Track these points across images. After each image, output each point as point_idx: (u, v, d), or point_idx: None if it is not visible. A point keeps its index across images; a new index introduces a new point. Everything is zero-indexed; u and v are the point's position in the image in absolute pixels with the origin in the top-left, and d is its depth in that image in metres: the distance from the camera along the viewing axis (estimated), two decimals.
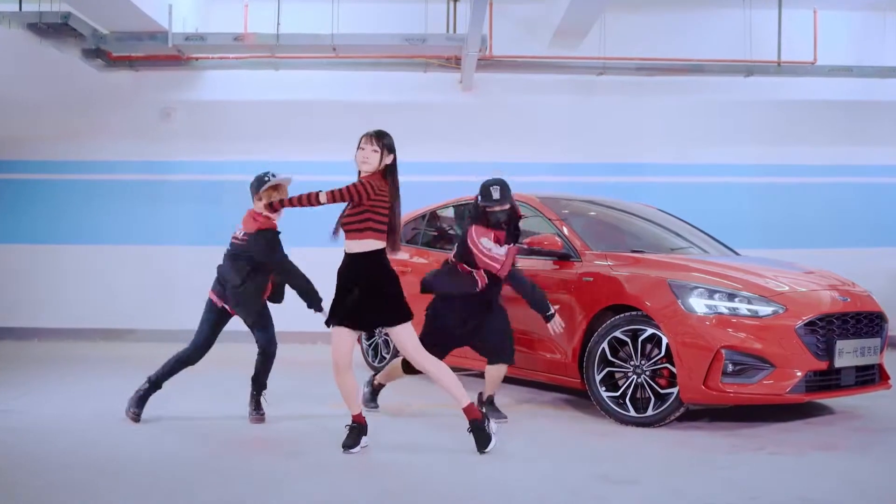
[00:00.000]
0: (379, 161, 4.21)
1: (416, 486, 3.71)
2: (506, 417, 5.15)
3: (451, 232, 6.87)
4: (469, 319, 5.00)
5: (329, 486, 3.69)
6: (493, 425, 4.30)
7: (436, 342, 4.84)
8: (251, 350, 5.19)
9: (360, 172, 4.27)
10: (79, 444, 4.43)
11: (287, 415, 5.21)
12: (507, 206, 4.93)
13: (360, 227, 4.17)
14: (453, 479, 3.82)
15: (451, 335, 5.00)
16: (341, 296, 4.22)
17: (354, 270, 4.20)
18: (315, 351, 8.70)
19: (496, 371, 5.14)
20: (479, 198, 4.97)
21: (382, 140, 4.23)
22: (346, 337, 4.23)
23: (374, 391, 5.39)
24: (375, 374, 5.44)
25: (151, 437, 4.59)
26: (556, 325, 5.07)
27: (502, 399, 5.46)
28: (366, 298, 4.16)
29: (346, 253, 4.25)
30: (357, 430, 4.29)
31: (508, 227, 4.97)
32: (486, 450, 4.20)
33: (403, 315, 4.25)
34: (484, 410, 5.15)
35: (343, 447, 4.22)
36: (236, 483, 3.73)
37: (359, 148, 4.24)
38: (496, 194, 4.89)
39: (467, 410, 4.27)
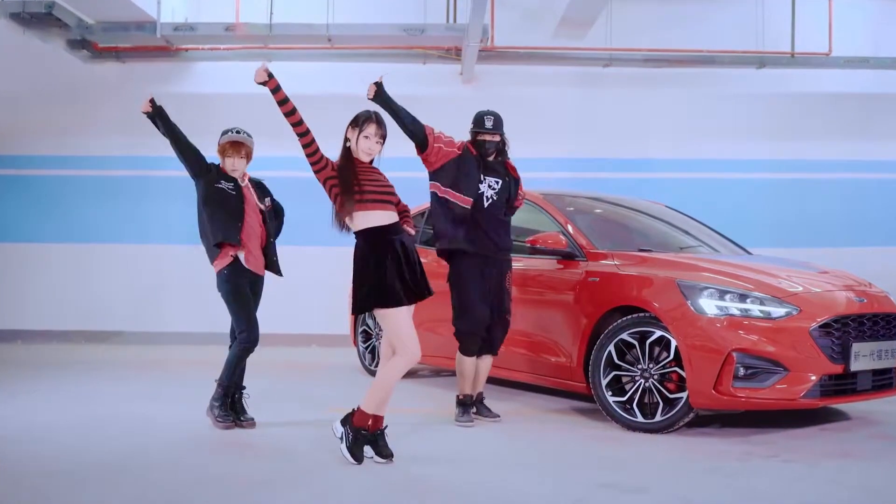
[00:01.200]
0: (379, 151, 4.29)
1: (413, 493, 3.71)
2: (498, 415, 5.26)
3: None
4: (490, 290, 5.14)
5: (324, 493, 3.68)
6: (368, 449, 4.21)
7: (470, 320, 5.09)
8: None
9: (348, 150, 4.26)
10: (64, 450, 4.41)
11: (282, 420, 5.20)
12: (497, 138, 5.22)
13: (391, 197, 4.24)
14: (452, 486, 3.82)
15: (484, 316, 5.11)
16: (383, 273, 4.12)
17: (389, 242, 4.16)
18: (310, 353, 8.70)
19: (485, 364, 5.30)
20: (472, 125, 5.29)
21: (384, 129, 4.30)
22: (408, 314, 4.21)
23: (468, 405, 5.28)
24: (469, 394, 5.31)
25: (140, 444, 4.58)
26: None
27: (504, 405, 5.47)
28: (411, 267, 4.18)
29: (369, 230, 4.17)
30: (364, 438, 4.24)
31: (496, 158, 5.28)
32: (349, 459, 4.11)
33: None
34: (474, 410, 5.25)
35: (354, 459, 4.16)
36: (229, 491, 3.72)
37: (363, 135, 4.22)
38: (489, 123, 5.24)
39: (361, 418, 4.14)
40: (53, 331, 9.58)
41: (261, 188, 5.28)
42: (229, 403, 5.05)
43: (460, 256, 5.20)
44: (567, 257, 5.57)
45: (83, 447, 4.48)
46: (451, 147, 5.22)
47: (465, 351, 5.21)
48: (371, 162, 4.30)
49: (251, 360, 5.14)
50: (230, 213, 5.00)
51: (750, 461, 4.28)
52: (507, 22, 9.60)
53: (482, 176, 5.21)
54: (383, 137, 4.28)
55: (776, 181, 9.85)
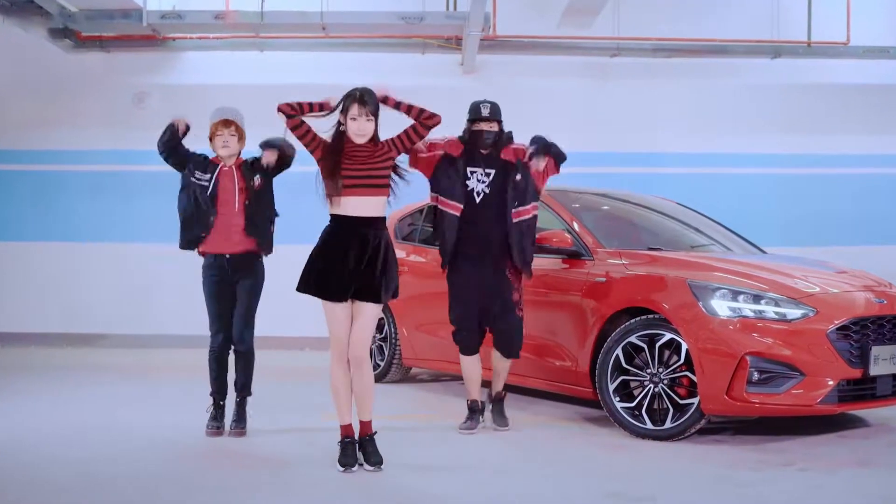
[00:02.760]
0: (375, 128, 4.25)
1: (411, 502, 3.71)
2: (508, 425, 5.22)
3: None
4: (484, 284, 5.10)
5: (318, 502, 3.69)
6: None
7: (464, 320, 5.09)
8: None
9: (338, 133, 4.25)
10: (44, 459, 4.41)
11: (272, 428, 5.20)
12: (494, 126, 5.12)
13: (376, 181, 4.22)
14: (449, 495, 3.81)
15: (473, 306, 5.10)
16: (330, 265, 4.19)
17: (353, 236, 4.19)
18: (303, 357, 8.69)
19: (500, 365, 5.25)
20: (467, 115, 5.18)
21: (371, 105, 4.22)
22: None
23: (474, 411, 5.27)
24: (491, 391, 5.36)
25: (123, 452, 4.58)
26: None
27: (506, 410, 5.45)
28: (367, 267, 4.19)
29: (338, 217, 4.22)
30: (353, 444, 4.26)
31: (495, 149, 5.13)
32: (341, 468, 4.15)
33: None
34: (491, 409, 5.27)
35: (341, 466, 4.19)
36: (213, 501, 3.71)
37: (349, 117, 4.19)
38: (485, 110, 5.10)
39: (341, 427, 4.25)
40: (34, 333, 9.55)
41: (253, 168, 5.13)
42: (223, 410, 5.04)
43: (455, 254, 5.16)
44: (573, 256, 5.56)
45: (64, 456, 4.47)
46: (433, 150, 5.16)
47: (461, 347, 5.20)
48: (374, 140, 4.25)
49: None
50: (198, 212, 4.99)
51: (764, 470, 4.27)
52: (509, 10, 9.58)
53: (467, 171, 5.11)
54: (373, 114, 4.21)
55: (792, 176, 9.83)
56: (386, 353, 6.96)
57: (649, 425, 4.91)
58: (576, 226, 5.70)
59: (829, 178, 9.87)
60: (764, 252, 6.37)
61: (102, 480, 4.02)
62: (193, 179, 5.04)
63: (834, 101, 9.85)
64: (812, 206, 9.80)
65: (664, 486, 3.97)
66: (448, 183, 5.10)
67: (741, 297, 4.81)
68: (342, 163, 4.18)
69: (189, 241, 5.03)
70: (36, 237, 9.72)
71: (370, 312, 4.23)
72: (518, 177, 5.10)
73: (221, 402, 5.07)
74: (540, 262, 5.64)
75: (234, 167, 5.10)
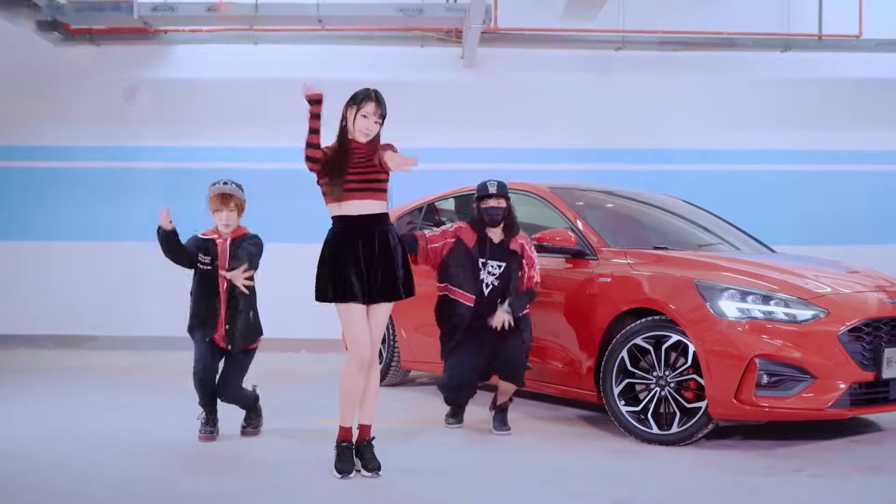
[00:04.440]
0: (378, 132, 4.26)
1: None
2: (509, 430, 5.25)
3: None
4: (485, 339, 5.18)
5: None
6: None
7: (459, 379, 5.21)
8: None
9: (343, 130, 4.24)
10: (31, 466, 4.40)
11: (266, 431, 5.20)
12: (503, 202, 5.21)
13: (379, 185, 4.23)
14: (452, 501, 3.81)
15: (473, 373, 5.22)
16: (342, 267, 4.17)
17: (361, 234, 4.19)
18: (299, 360, 8.69)
19: (505, 385, 5.28)
20: (475, 195, 5.29)
21: (383, 108, 4.25)
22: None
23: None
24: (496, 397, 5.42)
25: (113, 457, 4.57)
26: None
27: (508, 414, 5.45)
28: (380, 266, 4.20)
29: (342, 217, 4.21)
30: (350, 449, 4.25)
31: (505, 223, 5.24)
32: (338, 474, 4.15)
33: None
34: (493, 416, 5.32)
35: (338, 472, 4.19)
36: None
37: (360, 114, 4.19)
38: (492, 188, 5.19)
39: (339, 431, 4.25)
40: (21, 335, 9.56)
41: (240, 245, 4.98)
42: (215, 416, 5.05)
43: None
44: (576, 256, 5.56)
45: (51, 462, 4.47)
46: (444, 239, 5.29)
47: (447, 399, 5.40)
48: (376, 139, 4.25)
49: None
50: (206, 296, 4.99)
51: (774, 476, 4.27)
52: (511, 1, 9.58)
53: (479, 262, 5.23)
54: (382, 117, 4.25)
55: (802, 173, 9.83)
56: (384, 355, 6.96)
57: (655, 430, 4.91)
58: (580, 224, 5.70)
59: (841, 174, 9.87)
60: (773, 251, 6.37)
61: (92, 486, 4.01)
62: (198, 265, 5.02)
63: (845, 95, 9.86)
64: (824, 203, 9.80)
65: (672, 493, 3.97)
66: (462, 273, 5.23)
67: (750, 298, 4.81)
68: (347, 165, 4.17)
69: (194, 326, 5.04)
70: (21, 236, 9.73)
71: (384, 313, 4.29)
72: (525, 273, 5.29)
73: (213, 411, 5.07)
74: (543, 262, 5.64)
75: (227, 241, 5.03)
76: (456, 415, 5.45)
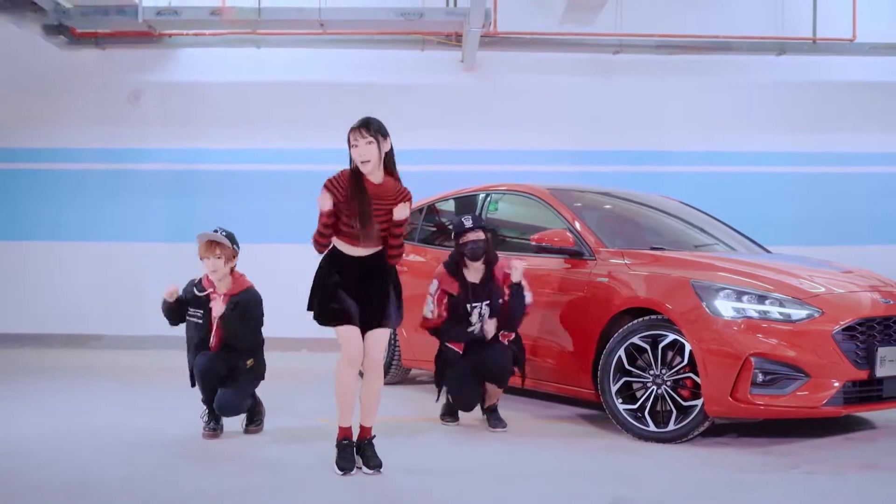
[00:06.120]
0: (379, 151, 4.09)
1: None
2: (505, 426, 5.27)
3: (450, 227, 6.86)
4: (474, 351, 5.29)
5: None
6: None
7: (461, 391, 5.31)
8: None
9: (355, 172, 4.15)
10: (34, 465, 4.38)
11: (267, 430, 5.20)
12: (480, 235, 5.22)
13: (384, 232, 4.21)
14: (449, 500, 3.81)
15: (473, 387, 5.31)
16: (337, 292, 4.19)
17: (358, 265, 4.22)
18: (300, 359, 8.68)
19: (492, 388, 5.37)
20: (452, 233, 5.34)
21: (371, 128, 4.09)
22: None
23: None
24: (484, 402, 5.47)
25: (116, 456, 4.57)
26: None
27: (506, 412, 5.46)
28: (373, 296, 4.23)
29: (339, 251, 4.23)
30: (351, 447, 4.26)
31: (487, 256, 5.27)
32: (339, 472, 4.16)
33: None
34: (485, 416, 5.37)
35: (339, 469, 4.19)
36: None
37: (351, 146, 4.12)
38: (468, 223, 5.23)
39: (339, 430, 4.27)
40: (28, 334, 9.57)
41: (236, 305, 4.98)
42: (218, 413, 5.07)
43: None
44: (574, 256, 5.56)
45: (54, 461, 4.45)
46: (441, 301, 5.34)
47: (457, 405, 5.47)
48: (392, 185, 4.18)
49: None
50: (199, 349, 5.01)
51: (769, 473, 4.27)
52: (510, 5, 9.58)
53: (468, 306, 5.29)
54: (374, 138, 4.07)
55: (797, 175, 9.84)
56: (385, 354, 6.95)
57: (652, 427, 4.91)
58: (577, 225, 5.70)
59: (834, 176, 9.88)
60: (768, 252, 6.37)
61: (95, 484, 4.01)
62: (188, 317, 5.05)
63: (840, 98, 9.87)
64: (818, 204, 9.81)
65: (669, 490, 3.97)
66: (454, 327, 5.31)
67: (745, 298, 4.81)
68: (371, 215, 4.10)
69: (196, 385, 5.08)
70: (27, 237, 9.73)
71: (382, 335, 4.32)
72: (504, 301, 5.29)
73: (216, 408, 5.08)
74: (541, 263, 5.65)
75: (221, 299, 5.00)
76: (452, 413, 5.48)
